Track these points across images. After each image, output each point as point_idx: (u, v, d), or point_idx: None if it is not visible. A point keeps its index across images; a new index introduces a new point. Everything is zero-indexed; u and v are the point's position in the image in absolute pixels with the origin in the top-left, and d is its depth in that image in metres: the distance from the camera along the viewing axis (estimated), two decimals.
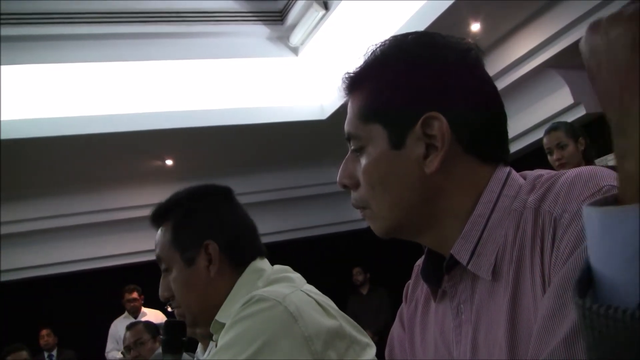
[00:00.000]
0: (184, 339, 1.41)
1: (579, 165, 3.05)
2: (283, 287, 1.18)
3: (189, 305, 1.30)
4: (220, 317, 1.23)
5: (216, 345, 1.17)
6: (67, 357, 6.27)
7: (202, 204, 1.34)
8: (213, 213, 1.33)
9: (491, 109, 0.80)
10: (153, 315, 5.84)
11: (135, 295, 6.05)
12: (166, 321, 1.46)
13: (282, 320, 1.06)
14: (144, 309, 6.10)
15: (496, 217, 0.76)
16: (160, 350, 1.71)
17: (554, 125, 3.21)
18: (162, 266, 1.34)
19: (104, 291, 6.56)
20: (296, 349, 1.04)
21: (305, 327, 1.06)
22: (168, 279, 1.32)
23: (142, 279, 5.71)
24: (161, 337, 1.46)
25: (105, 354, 6.05)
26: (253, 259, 1.31)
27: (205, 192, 1.37)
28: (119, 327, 5.64)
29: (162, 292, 1.34)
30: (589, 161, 3.09)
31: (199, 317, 1.29)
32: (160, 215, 1.36)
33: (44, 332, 6.21)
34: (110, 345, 5.99)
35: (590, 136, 3.12)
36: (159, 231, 1.35)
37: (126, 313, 6.07)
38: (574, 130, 3.13)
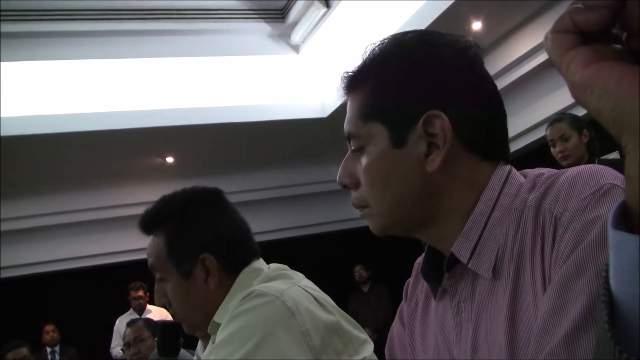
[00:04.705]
0: (179, 340, 1.41)
1: (582, 157, 2.97)
2: (281, 283, 1.17)
3: (188, 315, 1.29)
4: (217, 317, 1.23)
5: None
6: (70, 354, 6.27)
7: (196, 213, 1.29)
8: (208, 224, 1.29)
9: (492, 107, 0.80)
10: (158, 313, 5.85)
11: (141, 292, 6.06)
12: (160, 323, 1.45)
13: (280, 315, 1.05)
14: (149, 306, 6.11)
15: (497, 216, 0.76)
16: None
17: (558, 117, 3.12)
18: (157, 275, 1.31)
19: (105, 288, 6.56)
20: (294, 344, 1.04)
21: (303, 322, 1.06)
22: (163, 287, 1.30)
23: (145, 275, 5.69)
24: (156, 339, 1.45)
25: (110, 350, 6.09)
26: (249, 261, 1.29)
27: (198, 200, 1.31)
28: (124, 323, 5.65)
29: (158, 300, 1.32)
30: (592, 153, 2.99)
31: (198, 324, 1.29)
32: (150, 224, 1.32)
33: (49, 327, 6.21)
34: (115, 341, 6.01)
35: (596, 128, 3.00)
36: (151, 240, 1.32)
37: (131, 310, 6.08)
38: (578, 121, 3.02)
